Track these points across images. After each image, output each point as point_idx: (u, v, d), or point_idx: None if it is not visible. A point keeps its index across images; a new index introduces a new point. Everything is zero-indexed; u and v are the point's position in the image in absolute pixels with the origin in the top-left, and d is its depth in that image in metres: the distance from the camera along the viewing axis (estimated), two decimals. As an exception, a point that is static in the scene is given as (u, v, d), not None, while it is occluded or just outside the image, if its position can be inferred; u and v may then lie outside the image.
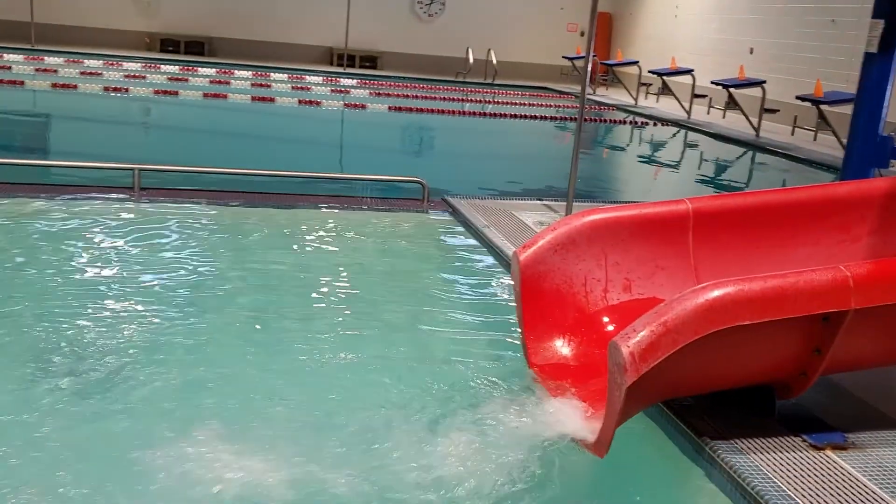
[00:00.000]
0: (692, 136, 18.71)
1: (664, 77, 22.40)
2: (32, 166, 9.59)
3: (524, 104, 21.29)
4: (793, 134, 18.27)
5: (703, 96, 21.07)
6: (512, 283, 4.97)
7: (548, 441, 4.04)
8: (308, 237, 7.78)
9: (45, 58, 20.88)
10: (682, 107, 20.97)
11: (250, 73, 21.54)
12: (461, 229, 8.27)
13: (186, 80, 19.97)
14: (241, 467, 3.69)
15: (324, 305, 6.00)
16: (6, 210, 7.74)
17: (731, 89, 19.11)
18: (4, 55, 20.07)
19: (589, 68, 8.66)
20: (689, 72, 21.00)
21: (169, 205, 8.27)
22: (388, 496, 3.61)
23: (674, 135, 19.06)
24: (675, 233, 5.07)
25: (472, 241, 7.87)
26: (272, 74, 21.53)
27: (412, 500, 3.58)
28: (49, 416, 4.05)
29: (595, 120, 19.50)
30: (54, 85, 17.18)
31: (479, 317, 5.93)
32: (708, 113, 21.22)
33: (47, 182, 8.80)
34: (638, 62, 23.83)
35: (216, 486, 3.55)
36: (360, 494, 3.60)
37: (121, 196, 8.39)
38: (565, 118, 19.53)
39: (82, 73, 18.85)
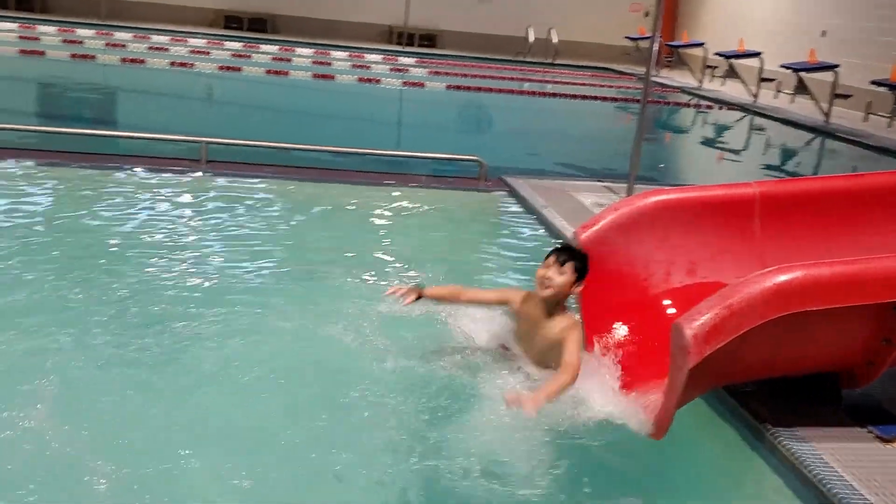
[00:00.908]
0: (758, 120, 18.26)
1: (731, 60, 21.85)
2: (105, 137, 9.84)
3: (585, 84, 21.03)
4: (865, 120, 17.67)
5: (771, 80, 20.51)
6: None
7: (603, 424, 4.01)
8: (364, 214, 7.84)
9: (115, 33, 21.36)
10: (749, 91, 20.45)
11: (311, 50, 21.71)
12: (518, 209, 8.24)
13: (249, 56, 20.23)
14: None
15: (374, 282, 6.02)
16: (81, 178, 7.98)
17: (802, 73, 18.55)
18: (76, 30, 20.58)
19: (654, 49, 8.50)
20: (756, 55, 20.46)
21: (233, 178, 8.43)
22: (438, 477, 3.57)
23: (739, 119, 18.62)
24: (742, 216, 4.96)
25: (530, 222, 7.83)
26: (333, 52, 21.66)
27: (462, 480, 3.54)
28: (117, 372, 4.17)
29: (658, 102, 19.17)
30: (123, 60, 17.58)
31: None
32: (775, 97, 20.65)
33: (119, 153, 9.04)
34: (704, 44, 23.28)
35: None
36: (427, 468, 3.62)
37: (188, 168, 8.57)
38: (627, 100, 19.25)
39: (150, 49, 19.25)
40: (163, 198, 7.63)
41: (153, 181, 8.13)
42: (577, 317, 4.39)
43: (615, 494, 3.75)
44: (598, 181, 9.39)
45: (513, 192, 8.64)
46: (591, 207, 7.92)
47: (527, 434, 3.79)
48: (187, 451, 3.60)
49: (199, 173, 8.47)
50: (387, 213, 7.95)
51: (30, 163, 8.24)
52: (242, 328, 4.83)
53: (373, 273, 6.11)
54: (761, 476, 3.88)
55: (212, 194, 7.85)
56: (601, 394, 4.19)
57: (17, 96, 13.90)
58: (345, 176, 8.93)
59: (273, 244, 6.63)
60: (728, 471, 4.07)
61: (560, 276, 4.13)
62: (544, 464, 3.69)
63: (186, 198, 7.67)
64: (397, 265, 6.40)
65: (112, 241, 6.28)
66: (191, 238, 6.53)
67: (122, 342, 4.55)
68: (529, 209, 8.03)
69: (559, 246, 4.29)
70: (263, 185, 8.35)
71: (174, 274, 5.68)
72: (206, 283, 5.55)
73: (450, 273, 6.18)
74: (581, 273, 4.24)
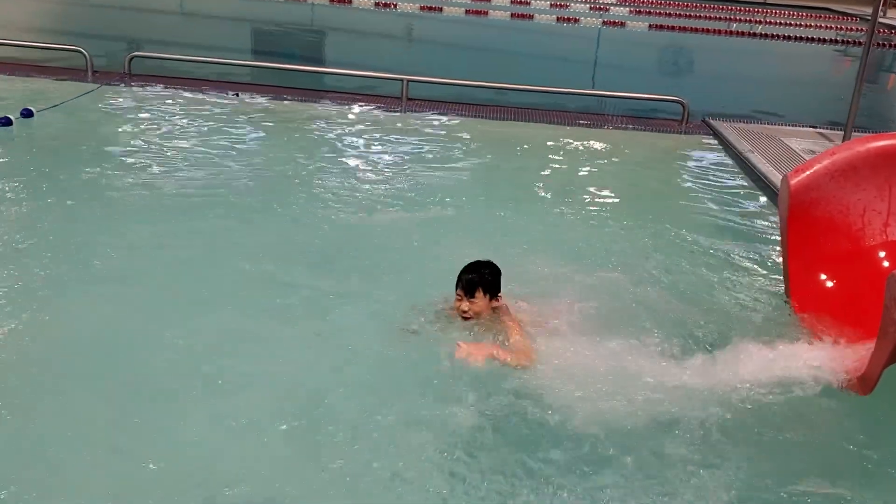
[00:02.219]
0: None
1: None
2: (310, 73, 10.42)
3: (800, 26, 19.51)
4: None
5: None
6: (778, 210, 4.71)
7: (804, 378, 3.83)
8: (561, 154, 7.84)
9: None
10: None
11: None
12: (722, 154, 7.91)
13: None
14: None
15: (570, 221, 6.05)
16: (286, 112, 8.56)
17: None
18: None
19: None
20: None
21: (432, 115, 8.69)
22: (637, 423, 3.56)
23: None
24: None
25: (733, 167, 7.51)
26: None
27: (659, 434, 3.50)
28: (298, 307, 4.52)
29: (883, 45, 17.45)
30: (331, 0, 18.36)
31: (736, 245, 5.66)
32: None
33: (322, 88, 9.57)
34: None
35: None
36: (613, 408, 3.64)
37: (388, 105, 8.93)
38: (847, 42, 17.67)
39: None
40: (361, 132, 8.00)
41: (353, 115, 8.55)
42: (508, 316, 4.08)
43: (816, 451, 3.59)
44: (811, 127, 8.79)
45: (716, 136, 8.29)
46: (802, 154, 7.46)
47: (734, 386, 3.71)
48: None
49: (399, 112, 8.79)
50: (584, 154, 7.90)
51: (244, 95, 8.92)
52: (434, 255, 5.02)
53: (563, 211, 6.14)
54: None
55: (409, 131, 8.15)
56: (799, 348, 4.03)
57: (230, 34, 14.94)
58: (543, 116, 8.94)
59: (466, 180, 6.81)
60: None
61: (475, 305, 3.92)
62: (731, 421, 3.57)
63: (384, 133, 8.00)
64: (592, 207, 6.38)
65: (307, 173, 6.69)
66: (383, 172, 6.82)
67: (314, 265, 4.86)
68: (734, 154, 7.70)
69: (459, 275, 3.96)
70: (460, 123, 8.54)
71: (364, 204, 5.97)
72: (403, 216, 5.79)
73: (642, 215, 6.09)
74: (493, 288, 3.96)
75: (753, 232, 6.00)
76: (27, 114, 7.41)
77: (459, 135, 8.18)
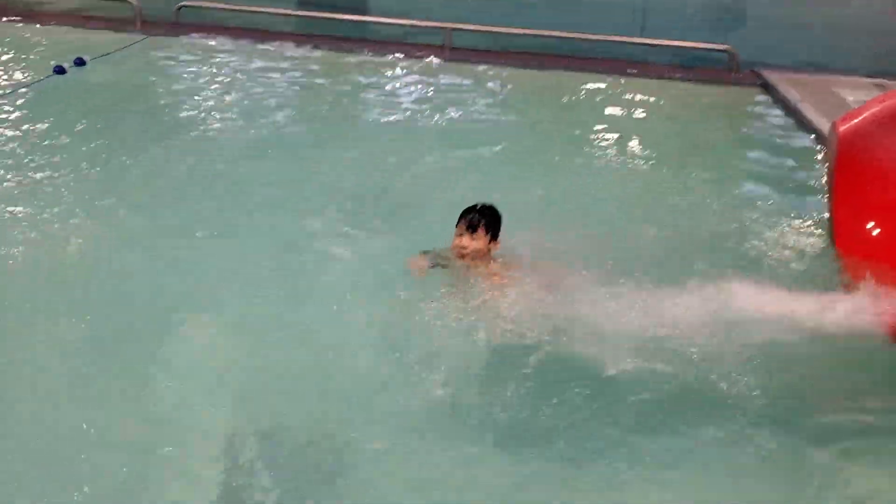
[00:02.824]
0: None
1: None
2: (354, 22, 10.41)
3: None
4: None
5: None
6: (826, 156, 4.64)
7: (845, 324, 3.82)
8: (607, 104, 7.75)
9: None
10: None
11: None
12: (771, 104, 7.75)
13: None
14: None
15: (615, 171, 6.03)
16: (330, 61, 8.60)
17: None
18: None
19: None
20: None
21: (476, 65, 8.65)
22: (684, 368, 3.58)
23: None
24: None
25: (783, 117, 7.37)
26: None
27: (707, 379, 3.52)
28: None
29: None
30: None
31: (784, 195, 5.57)
32: None
33: (366, 37, 9.58)
34: None
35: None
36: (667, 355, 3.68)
37: (432, 54, 8.90)
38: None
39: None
40: (403, 81, 8.01)
41: (394, 63, 8.55)
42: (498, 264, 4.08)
43: (854, 396, 3.57)
44: (866, 77, 8.54)
45: (766, 86, 8.13)
46: (856, 105, 7.26)
47: (775, 330, 3.71)
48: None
49: (440, 60, 8.75)
50: (631, 103, 7.80)
51: (290, 44, 8.96)
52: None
53: (608, 162, 6.12)
54: None
55: (452, 80, 8.14)
56: (843, 298, 4.00)
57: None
58: (588, 65, 8.84)
59: (510, 130, 6.81)
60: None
61: (473, 242, 3.94)
62: (774, 375, 3.53)
63: (425, 81, 8.02)
64: (638, 158, 6.34)
65: (351, 119, 6.80)
66: (428, 119, 6.86)
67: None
68: (784, 104, 7.54)
69: (463, 213, 3.99)
70: (504, 73, 8.49)
71: (398, 153, 5.99)
72: (439, 166, 5.79)
73: (687, 166, 6.03)
74: (494, 231, 4.00)
75: (802, 182, 5.90)
76: (80, 62, 7.58)
77: (504, 84, 8.15)
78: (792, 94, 7.57)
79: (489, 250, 4.01)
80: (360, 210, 4.90)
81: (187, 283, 4.03)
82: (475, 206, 4.04)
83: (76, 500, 2.66)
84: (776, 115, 7.45)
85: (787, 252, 4.65)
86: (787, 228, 4.99)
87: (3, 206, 4.66)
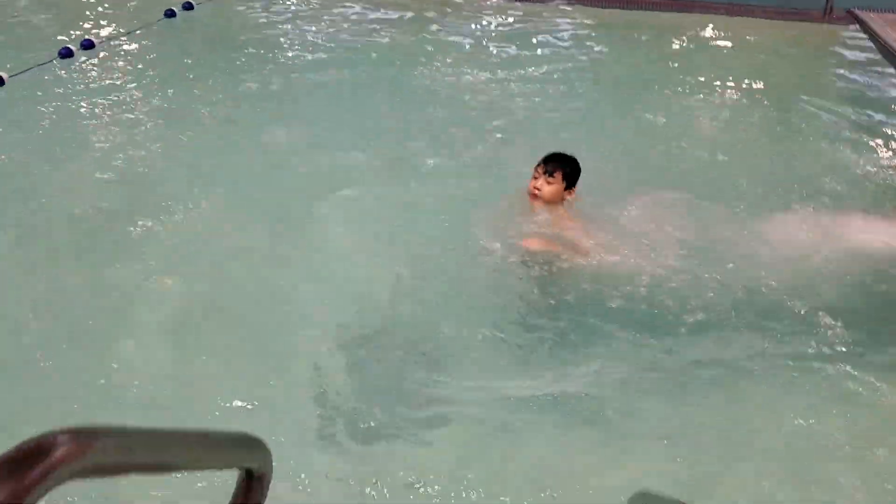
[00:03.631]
0: None
1: None
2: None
3: None
4: None
5: None
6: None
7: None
8: (692, 45, 7.70)
9: None
10: None
11: None
12: (869, 47, 7.62)
13: None
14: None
15: (705, 111, 6.10)
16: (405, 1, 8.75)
17: None
18: None
19: None
20: None
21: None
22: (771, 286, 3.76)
23: None
24: None
25: (881, 61, 7.24)
26: None
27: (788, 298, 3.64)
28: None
29: None
30: None
31: (879, 141, 5.59)
32: None
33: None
34: None
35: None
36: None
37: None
38: None
39: None
40: (474, 19, 8.13)
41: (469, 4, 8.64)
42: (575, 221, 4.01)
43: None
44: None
45: (863, 28, 7.99)
46: (955, 47, 7.15)
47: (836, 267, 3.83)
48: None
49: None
50: (716, 44, 7.77)
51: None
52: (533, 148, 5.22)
53: (699, 103, 6.19)
54: None
55: (522, 17, 8.21)
56: None
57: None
58: (669, 2, 8.77)
59: (582, 70, 6.85)
60: None
61: (549, 186, 3.86)
62: (852, 302, 3.62)
63: (496, 21, 8.12)
64: (724, 102, 6.36)
65: (425, 57, 6.96)
66: (492, 59, 7.00)
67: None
68: (883, 48, 7.41)
69: (545, 157, 3.91)
70: (575, 10, 8.56)
71: (466, 90, 6.20)
72: (503, 110, 5.86)
73: (783, 114, 6.04)
74: (572, 180, 3.91)
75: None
76: (188, 7, 7.93)
77: (576, 20, 8.19)
78: (889, 35, 7.45)
79: (563, 199, 3.93)
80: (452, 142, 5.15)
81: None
82: (555, 153, 3.97)
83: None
84: (874, 59, 7.35)
85: (869, 191, 4.72)
86: (871, 168, 5.04)
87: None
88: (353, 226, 4.10)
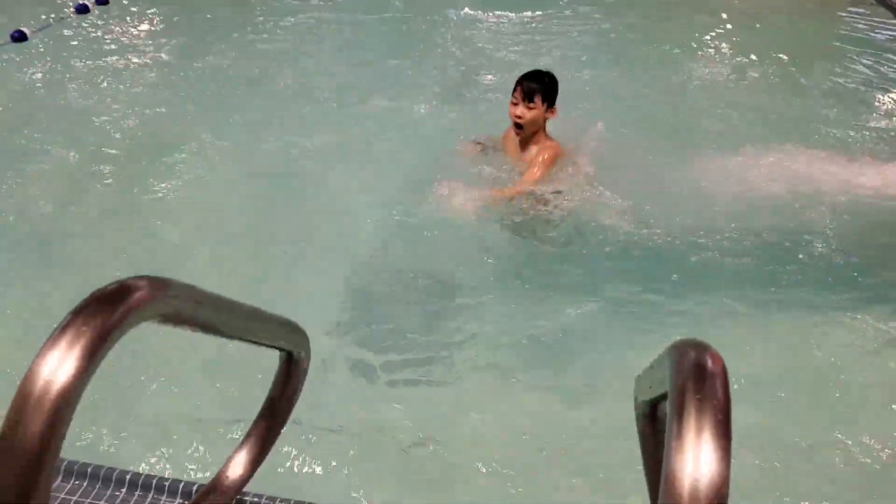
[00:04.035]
0: None
1: None
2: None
3: None
4: None
5: None
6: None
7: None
8: (708, 11, 7.51)
9: None
10: None
11: None
12: (892, 23, 7.46)
13: None
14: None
15: (717, 71, 6.09)
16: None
17: None
18: None
19: None
20: None
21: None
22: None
23: None
24: None
25: (891, 18, 7.13)
26: None
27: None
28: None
29: None
30: None
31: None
32: None
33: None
34: None
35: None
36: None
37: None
38: None
39: None
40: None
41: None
42: (553, 141, 4.04)
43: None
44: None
45: (883, 3, 7.82)
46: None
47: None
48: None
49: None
50: (734, 4, 7.66)
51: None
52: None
53: (712, 62, 6.22)
54: None
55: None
56: None
57: None
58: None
59: (606, 33, 6.87)
60: None
61: (530, 111, 3.81)
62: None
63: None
64: (742, 65, 6.28)
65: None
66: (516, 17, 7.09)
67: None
68: (890, 6, 7.30)
69: (519, 80, 3.86)
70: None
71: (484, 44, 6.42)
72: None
73: (799, 79, 5.99)
74: (551, 99, 3.86)
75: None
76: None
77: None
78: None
79: (546, 119, 3.91)
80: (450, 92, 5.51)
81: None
82: (529, 72, 3.91)
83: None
84: (890, 24, 7.24)
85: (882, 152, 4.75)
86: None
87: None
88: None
